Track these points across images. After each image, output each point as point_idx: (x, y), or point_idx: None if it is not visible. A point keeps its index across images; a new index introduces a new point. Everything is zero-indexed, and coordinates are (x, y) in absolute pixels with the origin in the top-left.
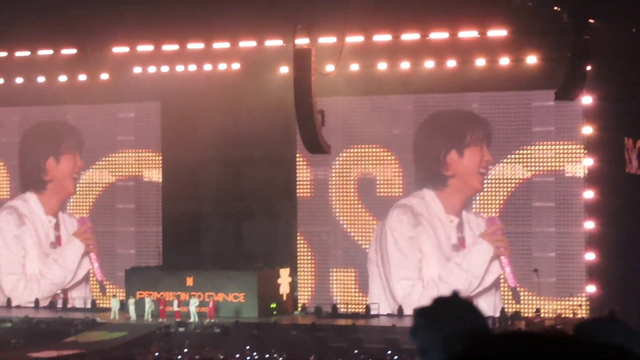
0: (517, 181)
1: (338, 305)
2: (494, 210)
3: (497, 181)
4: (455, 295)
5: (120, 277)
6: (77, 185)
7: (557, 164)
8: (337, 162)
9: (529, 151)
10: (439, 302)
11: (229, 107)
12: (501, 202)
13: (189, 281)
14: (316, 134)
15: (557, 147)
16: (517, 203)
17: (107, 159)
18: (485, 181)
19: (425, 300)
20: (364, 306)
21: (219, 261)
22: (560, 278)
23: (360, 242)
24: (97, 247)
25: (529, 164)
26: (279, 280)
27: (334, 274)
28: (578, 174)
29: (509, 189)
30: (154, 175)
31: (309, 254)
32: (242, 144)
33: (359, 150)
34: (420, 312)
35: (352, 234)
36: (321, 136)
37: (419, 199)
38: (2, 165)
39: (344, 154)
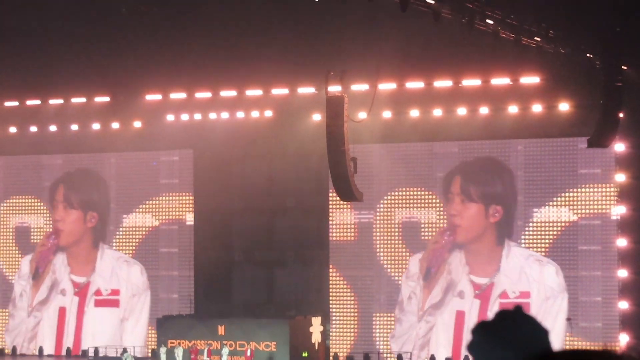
0: (563, 224)
1: (380, 353)
2: (542, 252)
3: (543, 224)
4: (518, 310)
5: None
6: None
7: (604, 206)
8: (381, 206)
9: (574, 194)
10: (502, 317)
11: (262, 155)
12: (547, 245)
13: (221, 330)
14: (349, 182)
15: (604, 189)
16: (564, 246)
17: (145, 204)
18: (527, 226)
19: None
20: (396, 355)
21: (251, 309)
22: (606, 323)
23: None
24: None
25: (574, 207)
26: (311, 329)
27: (377, 318)
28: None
29: (556, 232)
30: (189, 219)
31: (352, 298)
32: (275, 191)
33: (403, 193)
34: (481, 327)
35: (396, 278)
36: (354, 184)
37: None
38: (46, 210)
39: (389, 197)
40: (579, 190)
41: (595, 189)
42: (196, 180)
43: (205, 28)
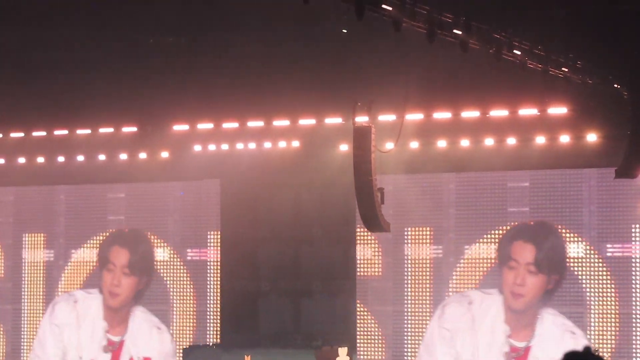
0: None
1: None
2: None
3: (473, 261)
4: (587, 351)
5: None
6: None
7: None
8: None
9: None
10: (572, 358)
11: (288, 184)
12: (477, 282)
13: None
14: (376, 212)
15: None
16: (493, 283)
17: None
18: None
19: None
20: None
21: (277, 340)
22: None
23: None
24: None
25: None
26: (338, 359)
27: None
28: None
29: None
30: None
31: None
32: (301, 221)
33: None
34: None
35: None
36: (381, 215)
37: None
38: None
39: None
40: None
41: None
42: (223, 209)
43: (232, 59)
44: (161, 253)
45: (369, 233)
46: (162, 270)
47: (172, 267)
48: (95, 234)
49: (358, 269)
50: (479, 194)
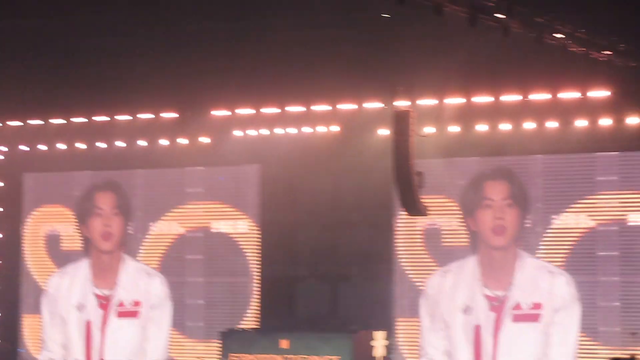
0: (581, 231)
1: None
2: (559, 260)
3: (562, 231)
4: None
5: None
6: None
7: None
8: (402, 213)
9: (590, 201)
10: None
11: (328, 169)
12: (566, 251)
13: (284, 344)
14: (413, 197)
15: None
16: (583, 252)
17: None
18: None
19: None
20: None
21: (315, 324)
22: (626, 327)
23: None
24: None
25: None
26: (373, 343)
27: (400, 323)
28: None
29: (574, 239)
30: (214, 227)
31: None
32: (341, 206)
33: (424, 200)
34: None
35: (418, 283)
36: (418, 199)
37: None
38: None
39: None
40: (595, 197)
41: (613, 196)
42: (262, 194)
43: (271, 44)
44: (242, 225)
45: (453, 204)
46: (241, 243)
47: (250, 239)
48: (172, 206)
49: (444, 239)
50: (566, 164)
